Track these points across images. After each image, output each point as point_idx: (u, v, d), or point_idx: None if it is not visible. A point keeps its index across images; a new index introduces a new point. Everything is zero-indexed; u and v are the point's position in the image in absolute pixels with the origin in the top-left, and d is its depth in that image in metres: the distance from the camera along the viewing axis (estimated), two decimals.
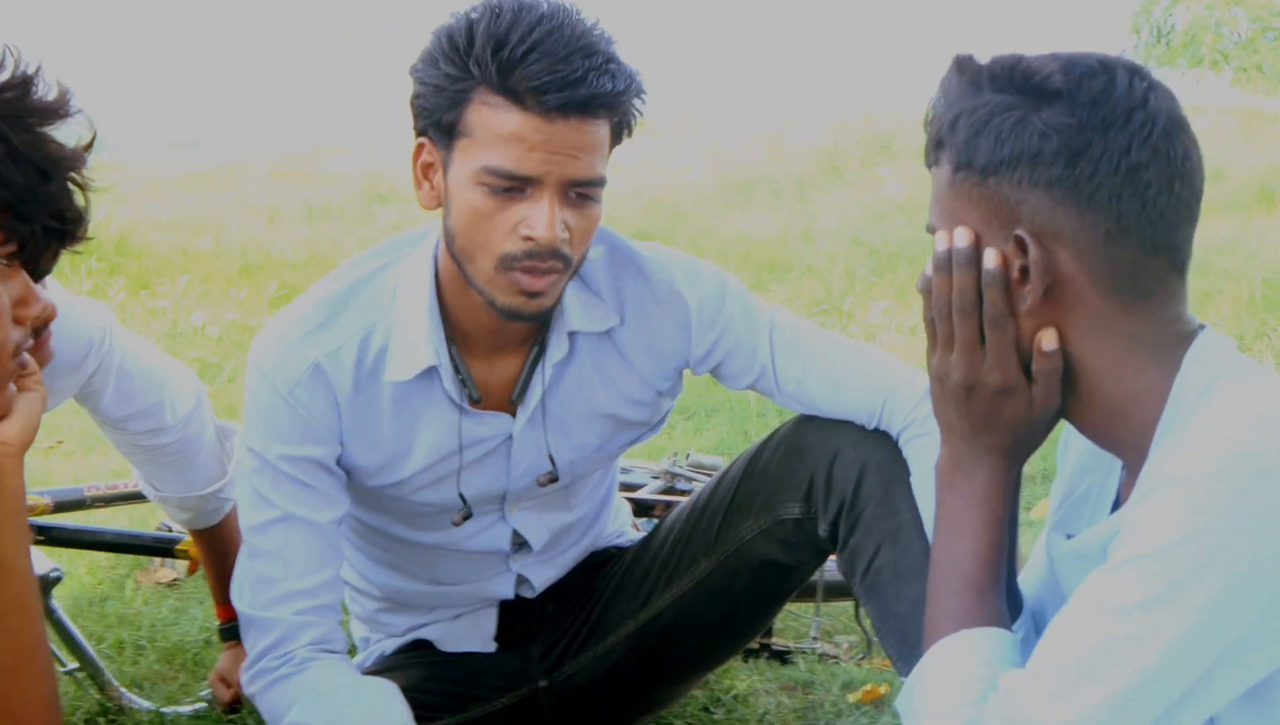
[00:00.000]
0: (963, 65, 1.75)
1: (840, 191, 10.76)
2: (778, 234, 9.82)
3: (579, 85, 2.27)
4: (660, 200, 10.58)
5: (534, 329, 2.56)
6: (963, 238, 1.73)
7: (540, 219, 2.31)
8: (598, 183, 2.37)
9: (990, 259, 1.71)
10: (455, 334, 2.54)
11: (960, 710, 1.70)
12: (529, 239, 2.32)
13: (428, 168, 2.41)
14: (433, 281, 2.51)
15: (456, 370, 2.55)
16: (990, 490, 1.82)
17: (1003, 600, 1.83)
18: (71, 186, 1.77)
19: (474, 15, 2.31)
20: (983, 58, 1.74)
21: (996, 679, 1.69)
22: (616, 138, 2.40)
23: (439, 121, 2.35)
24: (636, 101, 2.39)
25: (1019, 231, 1.69)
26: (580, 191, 2.35)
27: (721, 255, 9.13)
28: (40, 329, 2.35)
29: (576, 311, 2.55)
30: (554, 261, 2.35)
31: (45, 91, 1.72)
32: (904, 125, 11.46)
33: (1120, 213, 1.67)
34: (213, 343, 7.14)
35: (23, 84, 1.70)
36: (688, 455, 4.20)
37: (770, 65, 15.54)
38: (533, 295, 2.37)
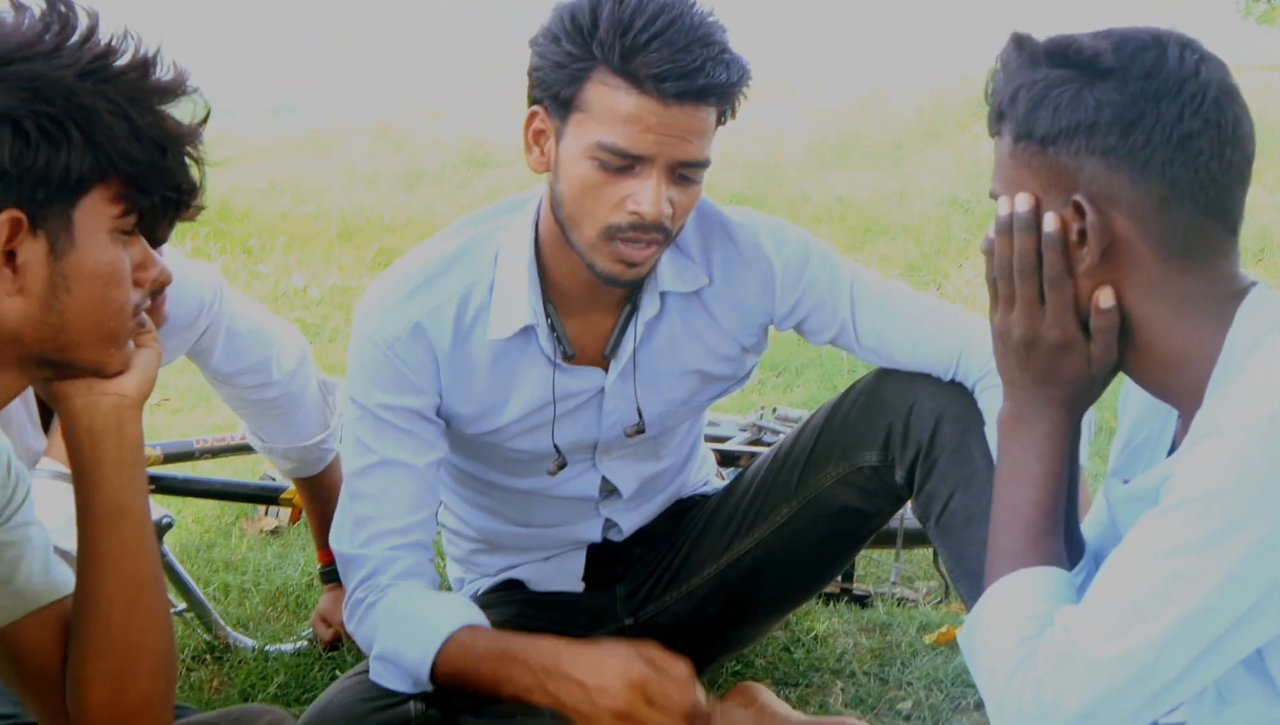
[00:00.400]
0: (1021, 42, 1.83)
1: (937, 153, 10.73)
2: (873, 196, 9.82)
3: (696, 75, 2.37)
4: (756, 163, 10.59)
5: (628, 290, 2.67)
6: (1024, 203, 1.80)
7: (648, 196, 2.42)
8: (703, 165, 2.48)
9: (1050, 223, 1.78)
10: (552, 294, 2.65)
11: (1017, 646, 1.77)
12: (636, 214, 2.43)
13: (539, 135, 2.51)
14: (533, 244, 2.62)
15: (552, 328, 2.65)
16: (1049, 440, 1.89)
17: (1060, 543, 1.89)
18: (188, 161, 1.87)
19: (597, 2, 2.41)
20: (1039, 35, 1.82)
21: (1052, 615, 1.76)
22: (721, 121, 2.50)
23: (556, 94, 2.45)
24: (744, 89, 2.49)
25: (1077, 197, 1.77)
26: (685, 172, 2.46)
27: (817, 218, 9.16)
28: (156, 292, 2.49)
29: (668, 272, 2.65)
30: (656, 235, 2.46)
31: (164, 72, 1.82)
32: None
33: (1173, 179, 1.74)
34: (314, 304, 7.23)
35: (144, 65, 1.79)
36: (774, 409, 4.27)
37: (868, 27, 15.47)
38: (632, 265, 2.48)
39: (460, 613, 2.58)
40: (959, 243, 8.71)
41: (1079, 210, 1.77)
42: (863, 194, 9.84)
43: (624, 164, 2.42)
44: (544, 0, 2.51)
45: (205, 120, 1.93)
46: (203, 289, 2.96)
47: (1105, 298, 1.79)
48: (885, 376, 2.78)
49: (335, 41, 15.47)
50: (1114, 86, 1.75)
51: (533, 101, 2.51)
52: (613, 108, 2.40)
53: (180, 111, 1.85)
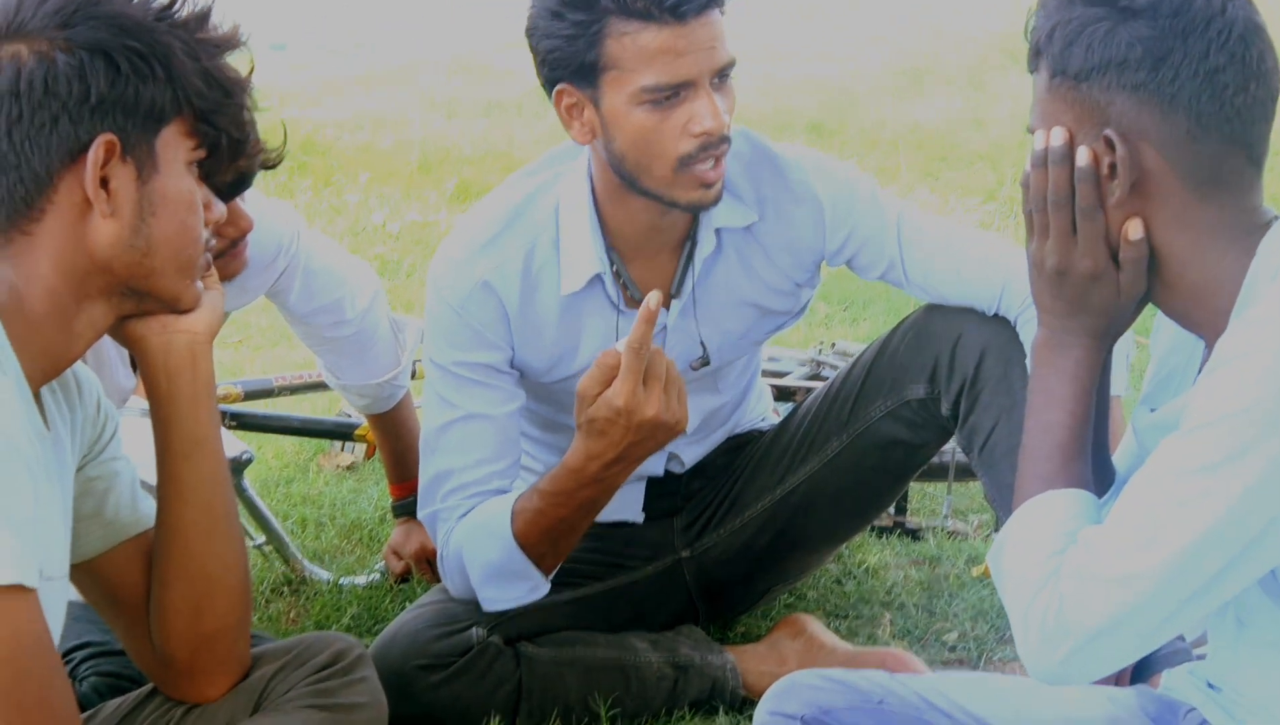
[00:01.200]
0: None
1: (1015, 79, 10.64)
2: (950, 122, 9.77)
3: None
4: (831, 89, 10.55)
5: (686, 229, 2.77)
6: (1058, 136, 1.87)
7: (706, 112, 2.52)
8: (734, 63, 2.57)
9: (1083, 156, 1.85)
10: (615, 242, 2.75)
11: (1043, 563, 1.84)
12: (704, 133, 2.53)
13: (572, 109, 2.60)
14: (590, 196, 2.72)
15: (618, 275, 2.75)
16: (1080, 366, 1.95)
17: (1088, 467, 1.96)
18: (245, 110, 1.99)
19: None
20: None
21: (1077, 534, 1.84)
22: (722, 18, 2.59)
23: (578, 65, 2.53)
24: None
25: (1108, 131, 1.83)
26: (724, 75, 2.56)
27: (892, 145, 9.14)
28: (238, 240, 2.60)
29: (720, 210, 2.73)
30: (724, 146, 2.57)
31: (221, 24, 1.94)
32: None
33: (1200, 112, 1.81)
34: (393, 240, 7.29)
35: (203, 16, 1.92)
36: (834, 344, 4.32)
37: None
38: (710, 185, 2.58)
39: (504, 502, 2.72)
40: None
41: (1110, 144, 1.83)
42: (939, 120, 9.79)
43: (671, 95, 2.51)
44: None
45: (251, 73, 2.06)
46: (281, 230, 3.08)
47: (1135, 229, 1.85)
48: (933, 311, 2.86)
49: None
50: (1144, 24, 1.81)
51: (553, 84, 2.59)
52: (641, 51, 2.48)
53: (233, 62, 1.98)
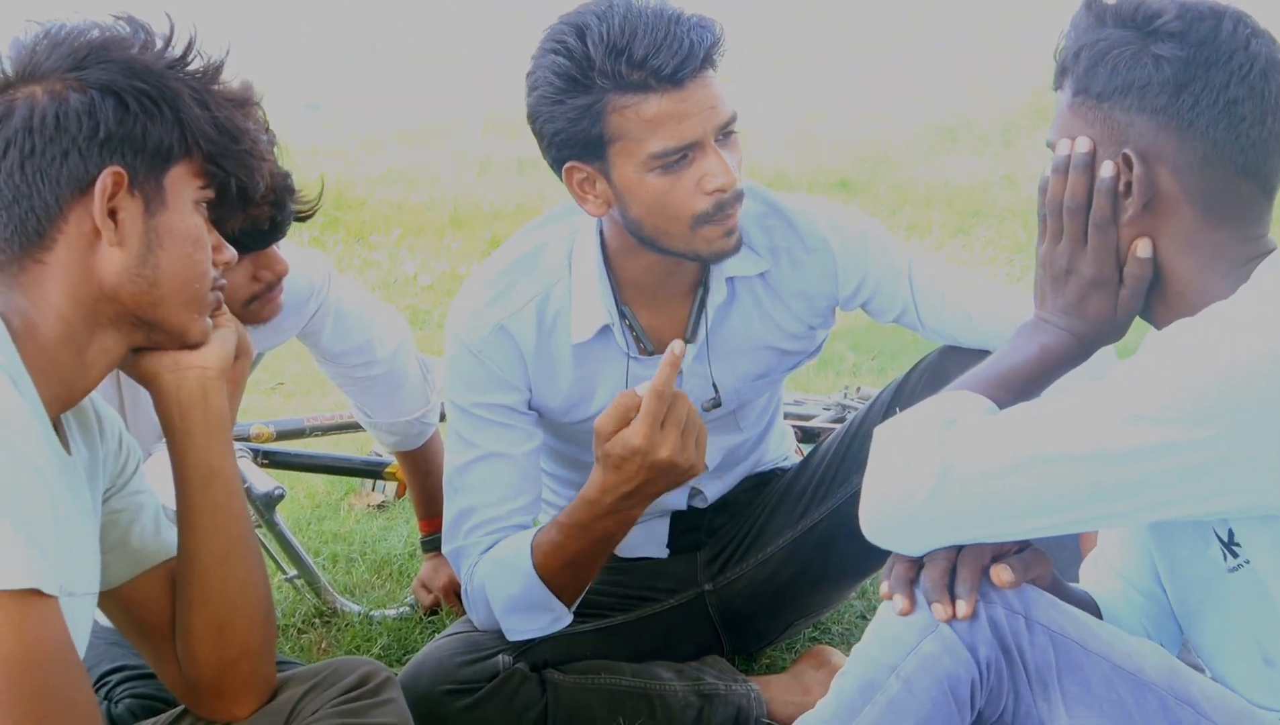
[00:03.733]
0: (1091, 4, 1.97)
1: (1046, 137, 10.64)
2: (981, 180, 9.78)
3: (692, 53, 2.53)
4: (864, 147, 10.59)
5: (697, 278, 2.83)
6: (1084, 145, 1.95)
7: (717, 170, 2.58)
8: (736, 117, 2.62)
9: (1107, 168, 1.93)
10: (626, 292, 2.81)
11: (937, 418, 1.91)
12: (717, 190, 2.58)
13: (584, 183, 2.66)
14: (599, 248, 2.79)
15: (630, 327, 2.82)
16: (1054, 350, 2.02)
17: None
18: (260, 157, 2.07)
19: (569, 44, 2.55)
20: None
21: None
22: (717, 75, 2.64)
23: (585, 143, 2.59)
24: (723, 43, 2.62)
25: (1126, 150, 1.91)
26: (728, 131, 2.62)
27: (925, 202, 9.16)
28: (274, 284, 2.68)
29: (731, 260, 2.79)
30: (737, 202, 2.63)
31: (231, 79, 2.03)
32: None
33: (1216, 140, 1.89)
34: (424, 291, 7.33)
35: (216, 69, 2.01)
36: (858, 388, 4.37)
37: (981, 7, 15.37)
38: (730, 232, 2.64)
39: (525, 536, 2.78)
40: None
41: (1128, 162, 1.91)
42: (970, 178, 9.81)
43: (680, 157, 2.56)
44: None
45: (265, 124, 2.16)
46: (313, 274, 3.16)
47: (1144, 248, 1.93)
48: (948, 352, 2.91)
49: (450, 34, 15.62)
50: (1169, 50, 1.89)
51: (561, 163, 2.65)
52: (644, 121, 2.54)
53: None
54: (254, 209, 2.57)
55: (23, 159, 1.87)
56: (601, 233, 2.79)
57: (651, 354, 2.84)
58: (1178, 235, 1.92)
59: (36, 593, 1.67)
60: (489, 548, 2.82)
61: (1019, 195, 9.38)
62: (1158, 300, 1.97)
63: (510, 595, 2.78)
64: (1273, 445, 1.72)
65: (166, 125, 1.93)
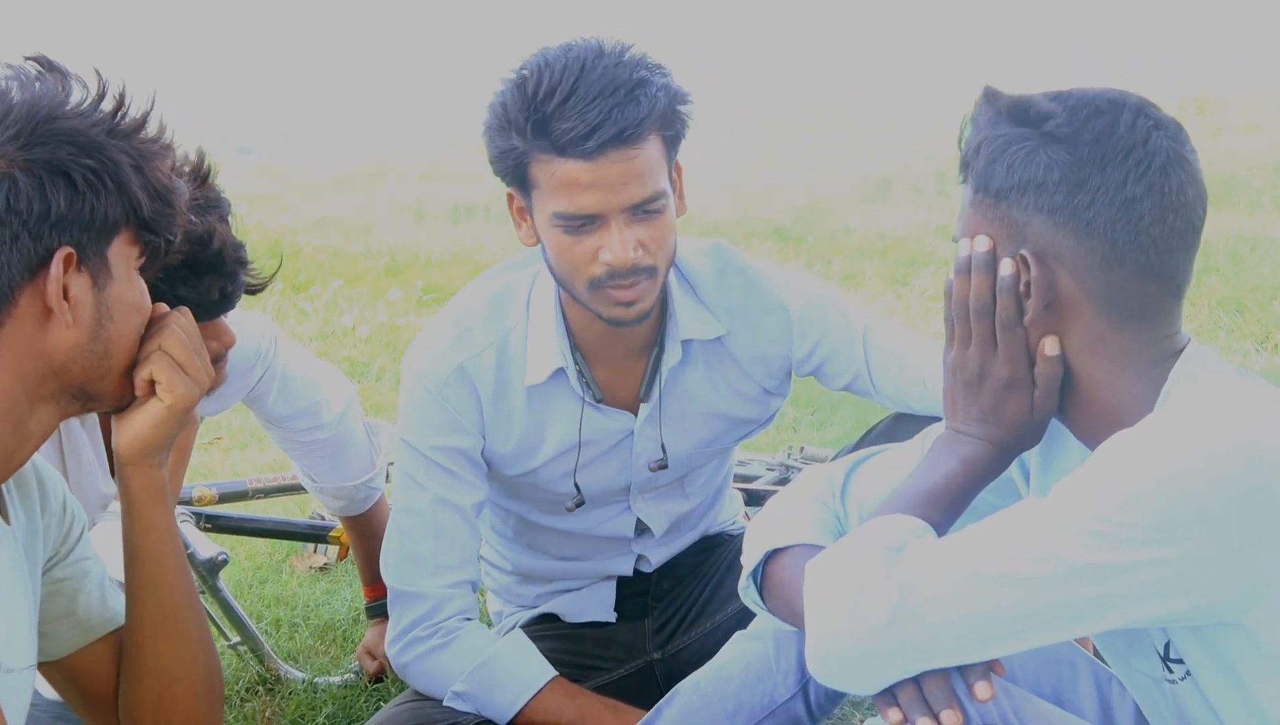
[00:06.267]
0: (990, 97, 1.95)
1: None
2: (916, 229, 9.83)
3: (606, 125, 2.51)
4: (799, 197, 10.63)
5: (651, 337, 2.83)
6: (982, 244, 1.92)
7: (612, 246, 2.58)
8: (657, 197, 2.60)
9: (1006, 267, 1.90)
10: (578, 343, 2.81)
11: (881, 545, 1.87)
12: (606, 264, 2.59)
13: (521, 211, 2.68)
14: (556, 295, 2.79)
15: (581, 374, 2.81)
16: (976, 461, 1.98)
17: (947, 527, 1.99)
18: (180, 213, 2.06)
19: (507, 93, 2.58)
20: (1007, 90, 1.94)
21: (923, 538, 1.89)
22: (672, 145, 2.64)
23: (515, 179, 2.63)
24: (681, 109, 2.62)
25: (1024, 251, 1.89)
26: (645, 209, 2.60)
27: (859, 252, 9.20)
28: (221, 355, 2.66)
29: (689, 321, 2.81)
30: (635, 277, 2.61)
31: (154, 128, 2.01)
32: None
33: (1114, 240, 1.85)
34: (362, 343, 7.29)
35: (143, 121, 1.99)
36: (801, 449, 4.37)
37: (906, 57, 15.52)
38: (629, 304, 2.63)
39: (544, 666, 2.81)
40: None
41: (1025, 263, 1.88)
42: (906, 227, 9.85)
43: (582, 223, 2.57)
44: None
45: (206, 176, 2.23)
46: (258, 338, 3.14)
47: (1051, 346, 1.90)
48: (901, 420, 2.92)
49: (385, 77, 15.63)
50: (1064, 149, 1.86)
51: (504, 185, 2.68)
52: (552, 179, 2.55)
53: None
54: (205, 279, 2.55)
55: None
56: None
57: (603, 403, 2.84)
58: (1083, 336, 1.89)
59: None
60: (451, 611, 2.83)
61: (953, 246, 9.41)
62: (1071, 402, 1.94)
63: (481, 694, 2.81)
64: (1228, 553, 1.71)
65: (111, 198, 1.91)
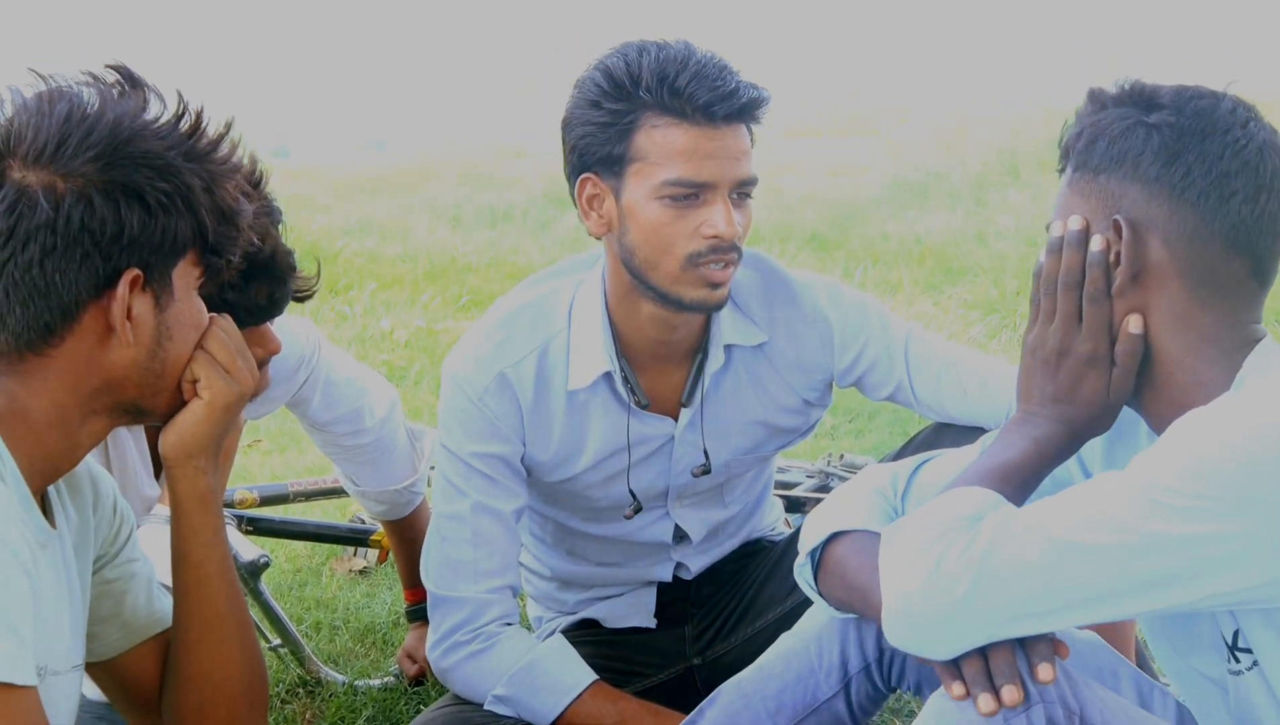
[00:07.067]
0: (1093, 95, 2.00)
1: (1017, 192, 10.70)
2: (952, 236, 9.80)
3: (735, 96, 2.58)
4: (836, 202, 10.62)
5: (694, 342, 2.84)
6: (1076, 222, 1.97)
7: (721, 218, 2.60)
8: (755, 181, 2.66)
9: (1096, 242, 1.94)
10: (625, 349, 2.82)
11: (956, 516, 1.87)
12: (715, 236, 2.60)
13: (593, 199, 2.68)
14: (603, 301, 2.79)
15: (626, 379, 2.81)
16: (1047, 441, 2.00)
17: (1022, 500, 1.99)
18: (243, 234, 2.07)
19: (628, 56, 2.61)
20: (1111, 86, 1.99)
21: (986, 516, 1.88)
22: (751, 141, 2.68)
23: (607, 155, 2.63)
24: (766, 108, 2.66)
25: (1117, 216, 1.92)
26: (742, 191, 2.65)
27: (896, 258, 9.18)
28: (264, 362, 2.69)
29: (730, 327, 2.82)
30: (733, 253, 2.64)
31: (226, 147, 2.02)
32: None
33: (1206, 213, 1.89)
34: (400, 347, 7.30)
35: (217, 142, 2.01)
36: (841, 456, 4.36)
37: (949, 65, 15.48)
38: (716, 286, 2.65)
39: (585, 670, 2.81)
40: None
41: (1117, 230, 1.92)
42: (942, 234, 9.83)
43: (691, 193, 2.59)
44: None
45: (259, 182, 2.33)
46: (302, 343, 3.15)
47: (1135, 323, 1.93)
48: (942, 430, 2.92)
49: (426, 77, 15.65)
50: (1165, 121, 1.90)
51: (579, 172, 2.68)
52: (669, 145, 2.57)
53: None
54: (254, 284, 2.57)
55: (43, 255, 1.86)
56: (605, 285, 2.80)
57: (648, 409, 2.84)
58: (1167, 311, 1.92)
59: (10, 685, 1.68)
60: (492, 616, 2.83)
61: (989, 251, 9.40)
62: (1146, 384, 1.96)
63: (523, 698, 2.81)
64: None
65: (181, 221, 1.94)
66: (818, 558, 2.18)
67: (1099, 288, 1.94)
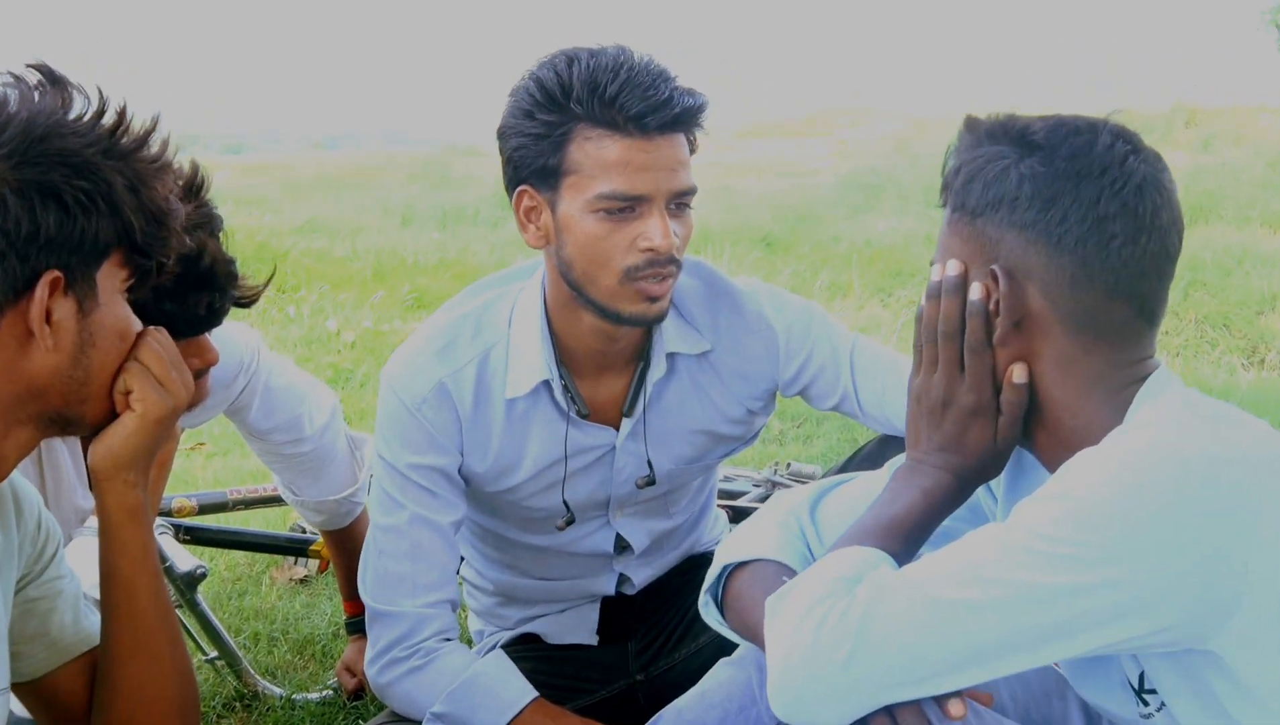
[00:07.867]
0: (970, 124, 1.94)
1: None
2: (903, 239, 9.83)
3: (669, 105, 2.52)
4: (788, 204, 10.63)
5: (636, 351, 2.80)
6: (953, 268, 1.91)
7: (656, 231, 2.54)
8: (693, 191, 2.61)
9: (975, 290, 1.88)
10: (564, 357, 2.77)
11: (837, 579, 1.83)
12: (650, 250, 2.55)
13: (530, 211, 2.64)
14: (543, 309, 2.75)
15: (566, 388, 2.78)
16: (936, 491, 1.96)
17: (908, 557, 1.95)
18: (174, 234, 2.02)
19: (558, 66, 2.55)
20: (987, 116, 1.93)
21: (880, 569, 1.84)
22: (691, 151, 2.63)
23: (541, 167, 2.58)
24: (705, 116, 2.61)
25: (994, 266, 1.87)
26: (679, 202, 2.59)
27: (846, 260, 9.20)
28: (203, 371, 2.63)
29: (674, 335, 2.78)
30: (671, 267, 2.59)
31: (156, 145, 1.96)
32: None
33: (1085, 258, 1.84)
34: (347, 348, 7.28)
35: (144, 140, 1.95)
36: (789, 465, 4.35)
37: (900, 69, 15.53)
38: (654, 300, 2.60)
39: (525, 686, 2.75)
40: None
41: (995, 279, 1.86)
42: (893, 236, 9.86)
43: (626, 206, 2.54)
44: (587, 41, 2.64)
45: (199, 189, 2.18)
46: (241, 350, 3.10)
47: (1019, 373, 1.89)
48: (888, 443, 2.90)
49: (380, 75, 15.61)
50: (1039, 163, 1.85)
51: (516, 184, 2.63)
52: (603, 158, 2.52)
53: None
54: (192, 295, 2.51)
55: None
56: (544, 293, 2.76)
57: (588, 418, 2.81)
58: (1052, 358, 1.88)
59: None
60: (431, 631, 2.78)
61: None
62: (1038, 427, 1.92)
63: (462, 715, 2.74)
64: (1177, 574, 1.68)
65: (103, 221, 1.87)
66: (719, 595, 2.13)
67: (979, 339, 1.90)
